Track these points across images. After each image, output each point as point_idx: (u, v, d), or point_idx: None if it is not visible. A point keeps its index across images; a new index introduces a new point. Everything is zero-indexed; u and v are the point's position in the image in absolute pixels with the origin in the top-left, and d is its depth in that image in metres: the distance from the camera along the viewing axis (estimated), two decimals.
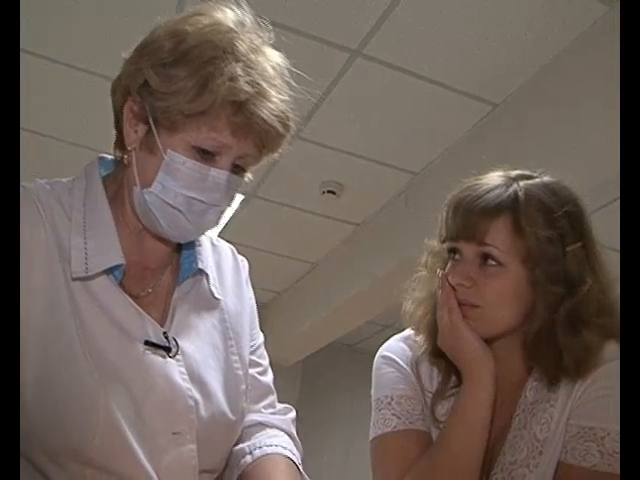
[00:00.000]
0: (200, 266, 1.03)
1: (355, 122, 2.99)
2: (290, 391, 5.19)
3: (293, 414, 1.14)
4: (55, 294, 0.89)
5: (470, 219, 1.05)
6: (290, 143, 0.98)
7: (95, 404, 0.86)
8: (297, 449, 1.08)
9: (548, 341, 1.03)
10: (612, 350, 1.02)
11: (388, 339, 1.22)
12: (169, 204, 0.93)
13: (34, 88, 2.80)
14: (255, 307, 1.15)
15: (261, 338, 1.15)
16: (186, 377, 0.94)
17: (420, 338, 1.15)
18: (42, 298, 0.88)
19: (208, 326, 1.01)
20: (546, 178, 1.10)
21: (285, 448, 1.05)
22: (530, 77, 2.62)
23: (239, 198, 3.66)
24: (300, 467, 1.05)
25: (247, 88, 0.89)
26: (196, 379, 0.95)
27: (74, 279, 0.91)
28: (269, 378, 1.14)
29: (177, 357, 0.95)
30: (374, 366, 1.18)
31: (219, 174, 0.92)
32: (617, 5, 2.25)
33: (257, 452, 1.03)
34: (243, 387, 1.03)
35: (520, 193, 1.05)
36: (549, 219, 1.04)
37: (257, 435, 1.07)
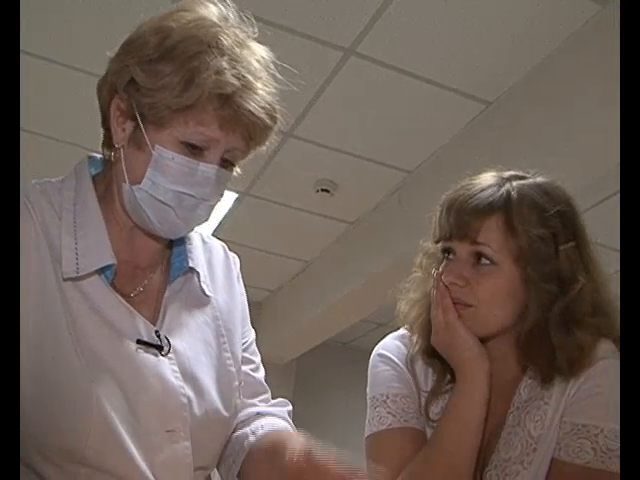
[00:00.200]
0: (191, 264, 1.03)
1: (349, 121, 3.00)
2: (284, 389, 5.18)
3: (289, 407, 1.14)
4: (46, 294, 0.89)
5: (463, 218, 1.06)
6: (277, 137, 0.98)
7: (88, 403, 0.86)
8: None
9: (541, 340, 1.03)
10: (605, 348, 1.03)
11: (383, 337, 1.22)
12: (159, 200, 0.93)
13: (33, 89, 2.80)
14: (246, 304, 1.15)
15: (253, 335, 1.15)
16: (178, 375, 0.94)
17: (415, 338, 1.16)
18: (33, 298, 0.88)
19: (200, 323, 1.02)
20: (539, 178, 1.11)
21: (287, 430, 1.06)
22: (523, 76, 2.63)
23: (233, 197, 3.66)
24: None
25: (233, 81, 0.89)
26: (189, 377, 0.96)
27: (65, 279, 0.90)
28: (262, 375, 1.14)
29: (169, 355, 0.95)
30: (370, 364, 1.19)
31: (208, 168, 0.93)
32: (609, 4, 2.26)
33: (260, 432, 1.04)
34: (236, 384, 1.03)
35: (513, 192, 1.06)
36: (541, 218, 1.04)
37: (256, 422, 1.07)
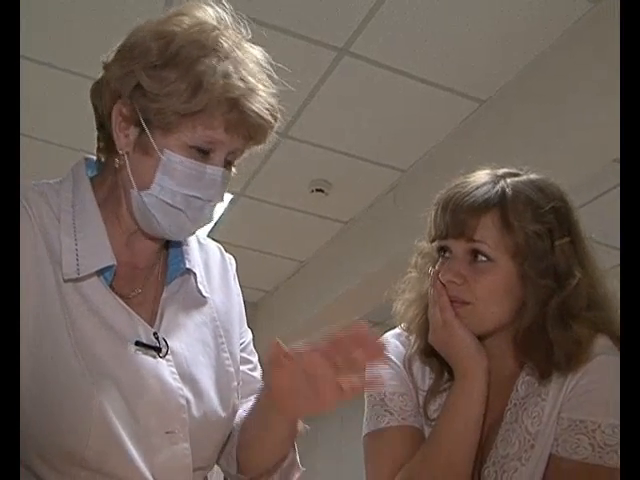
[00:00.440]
0: (188, 265, 1.03)
1: (343, 120, 3.00)
2: None
3: None
4: (45, 295, 0.89)
5: (459, 216, 1.06)
6: (275, 135, 0.99)
7: (88, 405, 0.86)
8: None
9: (539, 336, 1.04)
10: (602, 344, 1.04)
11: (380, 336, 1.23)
12: (168, 204, 0.93)
13: (31, 93, 2.79)
14: (242, 304, 1.15)
15: (250, 335, 1.15)
16: (177, 377, 0.95)
17: (412, 338, 1.16)
18: (33, 299, 0.88)
19: (198, 324, 1.02)
20: (532, 175, 1.11)
21: None
22: (516, 74, 2.64)
23: (228, 198, 3.66)
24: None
25: (240, 84, 0.91)
26: (187, 378, 0.96)
27: (66, 280, 0.91)
28: (259, 374, 1.14)
29: (167, 357, 0.95)
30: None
31: (215, 171, 0.94)
32: (601, 1, 2.26)
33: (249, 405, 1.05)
34: (235, 384, 1.03)
35: (507, 189, 1.06)
36: (537, 214, 1.05)
37: None
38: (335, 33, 2.50)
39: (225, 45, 0.92)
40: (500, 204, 1.05)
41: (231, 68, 0.91)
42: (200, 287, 1.03)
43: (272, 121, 0.95)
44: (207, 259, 1.10)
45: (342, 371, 0.82)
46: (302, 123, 2.97)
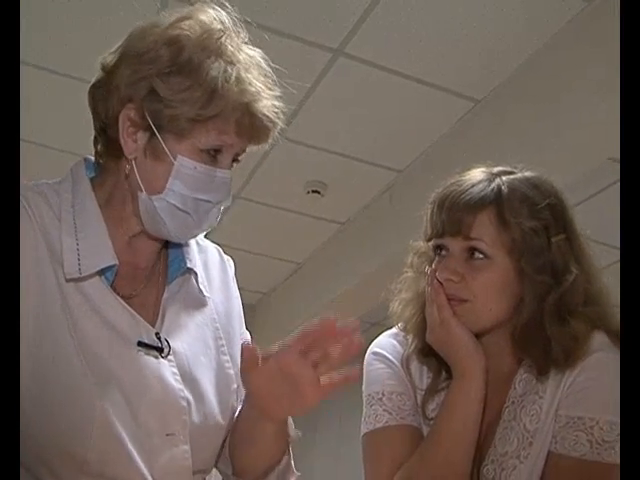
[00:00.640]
0: (189, 265, 1.03)
1: (338, 121, 3.00)
2: None
3: None
4: (46, 295, 0.89)
5: (455, 214, 1.06)
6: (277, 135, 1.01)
7: (90, 405, 0.86)
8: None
9: (537, 332, 1.04)
10: (599, 340, 1.04)
11: (376, 336, 1.23)
12: (178, 207, 0.94)
13: (31, 98, 2.78)
14: (241, 306, 1.15)
15: (248, 337, 1.15)
16: (178, 378, 0.94)
17: (409, 337, 1.16)
18: (33, 299, 0.88)
19: (199, 324, 1.02)
20: (527, 173, 1.12)
21: None
22: (510, 73, 2.64)
23: None
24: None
25: (251, 88, 0.92)
26: (188, 378, 0.96)
27: (67, 280, 0.90)
28: None
29: (169, 357, 0.95)
30: (365, 362, 1.19)
31: (224, 174, 0.95)
32: (595, 0, 2.27)
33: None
34: (234, 386, 1.03)
35: (503, 187, 1.07)
36: (533, 211, 1.05)
37: None
38: (330, 34, 2.51)
39: (230, 49, 0.94)
40: (496, 201, 1.05)
41: (242, 73, 0.92)
42: (201, 287, 1.04)
43: (278, 122, 0.97)
44: (206, 260, 1.10)
45: (319, 367, 0.83)
46: (297, 124, 2.97)
